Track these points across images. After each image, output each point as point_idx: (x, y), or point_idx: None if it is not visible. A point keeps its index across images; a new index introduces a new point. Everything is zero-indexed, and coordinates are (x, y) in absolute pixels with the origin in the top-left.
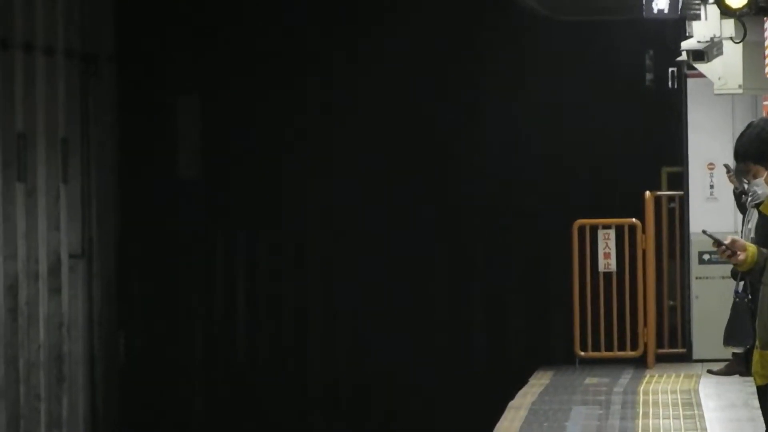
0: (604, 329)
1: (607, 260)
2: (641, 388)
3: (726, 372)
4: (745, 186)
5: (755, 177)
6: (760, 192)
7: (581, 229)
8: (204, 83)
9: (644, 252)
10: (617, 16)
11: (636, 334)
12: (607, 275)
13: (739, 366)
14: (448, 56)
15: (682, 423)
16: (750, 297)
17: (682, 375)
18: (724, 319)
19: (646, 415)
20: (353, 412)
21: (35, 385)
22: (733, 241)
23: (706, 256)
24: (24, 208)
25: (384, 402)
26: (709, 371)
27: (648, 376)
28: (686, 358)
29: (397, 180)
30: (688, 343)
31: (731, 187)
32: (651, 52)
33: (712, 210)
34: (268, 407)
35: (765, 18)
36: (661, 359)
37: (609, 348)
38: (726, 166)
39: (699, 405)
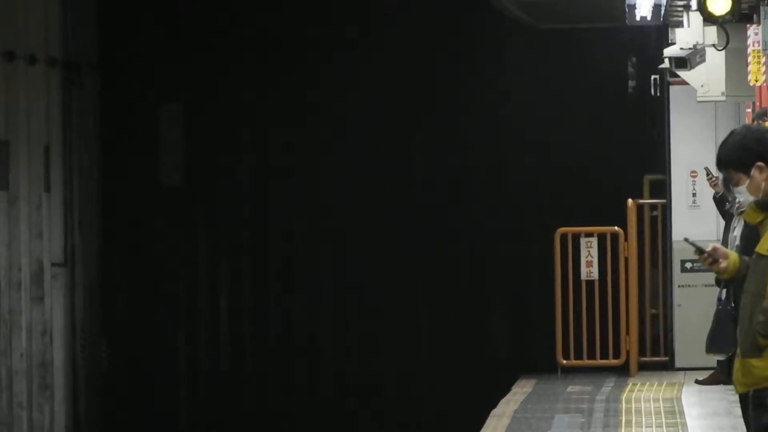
0: (587, 337)
1: (590, 268)
2: (624, 397)
3: (712, 381)
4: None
5: (737, 185)
6: (742, 200)
7: (563, 237)
8: (186, 91)
9: (626, 260)
10: (600, 23)
11: (618, 342)
12: (589, 283)
13: (723, 374)
14: (428, 64)
15: (664, 431)
16: (733, 305)
17: (664, 383)
18: (706, 327)
19: (628, 423)
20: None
21: (18, 393)
22: (715, 249)
23: (688, 264)
24: (6, 216)
25: (368, 412)
26: (697, 381)
27: (630, 384)
28: (669, 366)
29: (374, 187)
30: (670, 352)
31: (713, 193)
32: (633, 59)
33: (695, 218)
34: (252, 416)
35: (748, 25)
36: (644, 367)
37: (591, 356)
38: (707, 169)
39: (681, 413)
